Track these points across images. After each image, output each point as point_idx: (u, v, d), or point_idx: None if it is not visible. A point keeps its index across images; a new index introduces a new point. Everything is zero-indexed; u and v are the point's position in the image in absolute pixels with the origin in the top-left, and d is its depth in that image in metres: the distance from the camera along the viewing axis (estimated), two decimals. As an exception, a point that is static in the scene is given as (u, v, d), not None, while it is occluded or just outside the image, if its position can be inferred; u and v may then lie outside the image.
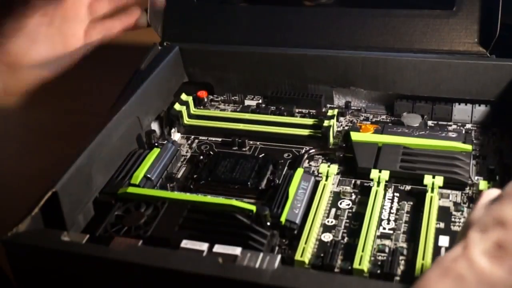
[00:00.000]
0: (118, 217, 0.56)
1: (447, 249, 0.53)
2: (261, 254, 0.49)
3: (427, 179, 0.59)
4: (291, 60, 0.73)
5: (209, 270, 0.46)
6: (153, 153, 0.63)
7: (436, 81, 0.69)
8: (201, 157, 0.66)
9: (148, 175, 0.61)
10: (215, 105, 0.76)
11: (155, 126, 0.70)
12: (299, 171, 0.60)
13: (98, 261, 0.47)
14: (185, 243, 0.51)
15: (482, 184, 0.58)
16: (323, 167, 0.61)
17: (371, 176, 0.60)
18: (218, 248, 0.50)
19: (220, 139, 0.70)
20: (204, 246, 0.51)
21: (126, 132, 0.63)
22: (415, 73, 0.69)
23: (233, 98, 0.76)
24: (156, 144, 0.65)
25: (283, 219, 0.55)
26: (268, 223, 0.55)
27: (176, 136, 0.70)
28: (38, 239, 0.49)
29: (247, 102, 0.76)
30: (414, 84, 0.69)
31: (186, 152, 0.68)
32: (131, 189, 0.57)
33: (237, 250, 0.50)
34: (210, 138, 0.70)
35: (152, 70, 0.69)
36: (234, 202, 0.55)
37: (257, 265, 0.48)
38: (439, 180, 0.58)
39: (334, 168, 0.61)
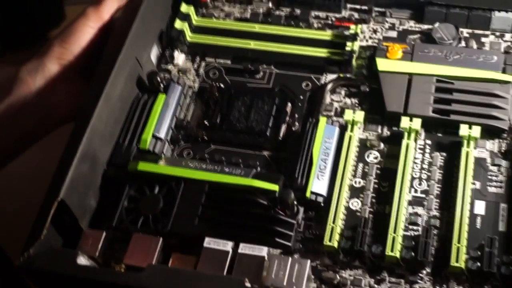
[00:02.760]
0: (132, 199, 0.52)
1: (483, 217, 0.51)
2: (290, 261, 0.46)
3: (463, 130, 0.53)
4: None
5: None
6: (158, 103, 0.57)
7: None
8: (212, 91, 0.59)
9: (157, 135, 0.55)
10: (219, 7, 0.67)
11: (154, 48, 0.62)
12: (322, 123, 0.55)
13: (115, 286, 0.45)
14: (208, 242, 0.48)
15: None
16: (348, 114, 0.56)
17: (402, 125, 0.54)
18: (243, 249, 0.48)
19: (229, 61, 0.62)
20: (228, 246, 0.48)
21: (126, 82, 0.56)
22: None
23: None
24: (161, 85, 0.58)
25: (308, 193, 0.52)
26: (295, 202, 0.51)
27: (180, 58, 0.63)
28: (52, 263, 0.46)
29: (256, 5, 0.66)
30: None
31: (194, 82, 0.61)
32: (142, 166, 0.53)
33: (263, 251, 0.47)
34: (218, 60, 0.63)
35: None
36: (255, 182, 0.51)
37: (285, 277, 0.46)
38: (476, 130, 0.53)
39: (361, 115, 0.56)
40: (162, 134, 0.56)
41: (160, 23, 0.63)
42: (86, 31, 0.59)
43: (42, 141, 0.62)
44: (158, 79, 0.58)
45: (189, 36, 0.63)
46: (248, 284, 0.44)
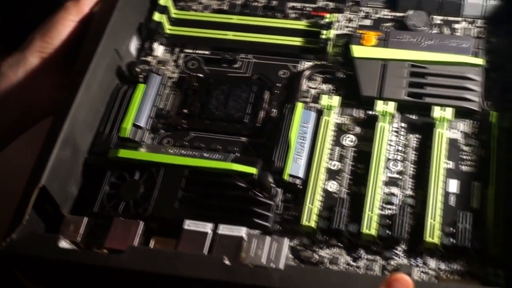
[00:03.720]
0: (113, 186, 0.53)
1: (456, 195, 0.52)
2: (268, 239, 0.47)
3: (436, 112, 0.55)
4: None
5: (216, 274, 0.45)
6: (138, 92, 0.58)
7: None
8: (190, 81, 0.60)
9: (137, 123, 0.56)
10: (197, 0, 0.68)
11: (133, 40, 0.63)
12: (299, 108, 0.56)
13: (99, 268, 0.46)
14: (188, 224, 0.49)
15: (494, 116, 0.55)
16: (325, 99, 0.57)
17: (377, 109, 0.56)
18: (222, 230, 0.49)
19: (208, 52, 0.63)
20: (207, 228, 0.49)
21: (105, 73, 0.57)
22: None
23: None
24: (140, 75, 0.59)
25: (286, 176, 0.53)
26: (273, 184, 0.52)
27: (159, 50, 0.64)
28: (34, 248, 0.46)
29: (234, -5, 0.67)
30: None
31: (173, 73, 0.62)
32: (122, 153, 0.54)
33: (242, 231, 0.48)
34: (197, 51, 0.64)
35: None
36: (234, 165, 0.52)
37: (264, 255, 0.47)
38: (449, 112, 0.55)
39: (336, 100, 0.57)
40: (142, 123, 0.57)
41: (139, 15, 0.64)
42: (67, 24, 0.60)
43: (24, 136, 0.63)
44: (137, 69, 0.59)
45: (168, 28, 0.64)
46: (227, 262, 0.45)
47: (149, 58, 0.63)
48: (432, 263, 0.49)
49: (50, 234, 0.49)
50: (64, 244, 0.47)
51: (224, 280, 0.44)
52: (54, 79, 0.61)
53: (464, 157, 0.54)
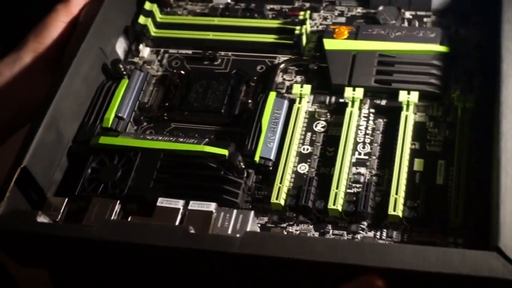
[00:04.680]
0: (94, 171, 0.56)
1: (421, 174, 0.54)
2: (235, 212, 0.50)
3: (402, 96, 0.57)
4: None
5: (179, 242, 0.47)
6: (121, 86, 0.61)
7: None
8: (173, 78, 0.64)
9: (120, 114, 0.60)
10: (182, 6, 0.72)
11: (121, 42, 0.67)
12: (272, 96, 0.59)
13: (73, 240, 0.49)
14: (161, 201, 0.52)
15: (457, 98, 0.57)
16: (296, 88, 0.60)
17: (346, 95, 0.58)
18: (193, 205, 0.51)
19: (190, 51, 0.67)
20: (179, 204, 0.51)
21: (90, 69, 0.61)
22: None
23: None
24: (124, 72, 0.63)
25: (257, 158, 0.55)
26: (243, 164, 0.55)
27: (145, 51, 0.68)
28: (13, 223, 0.49)
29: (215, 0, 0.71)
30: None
31: (157, 71, 0.66)
32: (103, 139, 0.57)
33: (211, 206, 0.51)
34: (180, 51, 0.67)
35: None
36: (206, 148, 0.55)
37: (230, 226, 0.49)
38: (414, 96, 0.57)
39: (308, 88, 0.59)
40: (124, 115, 0.60)
41: (126, 18, 0.67)
42: (57, 25, 0.64)
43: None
44: (121, 66, 0.63)
45: (153, 31, 0.68)
46: (192, 231, 0.47)
47: (135, 59, 0.67)
48: (396, 236, 0.51)
49: (30, 210, 0.51)
50: (42, 219, 0.50)
51: (186, 247, 0.46)
52: (47, 77, 0.64)
53: (430, 138, 0.56)
